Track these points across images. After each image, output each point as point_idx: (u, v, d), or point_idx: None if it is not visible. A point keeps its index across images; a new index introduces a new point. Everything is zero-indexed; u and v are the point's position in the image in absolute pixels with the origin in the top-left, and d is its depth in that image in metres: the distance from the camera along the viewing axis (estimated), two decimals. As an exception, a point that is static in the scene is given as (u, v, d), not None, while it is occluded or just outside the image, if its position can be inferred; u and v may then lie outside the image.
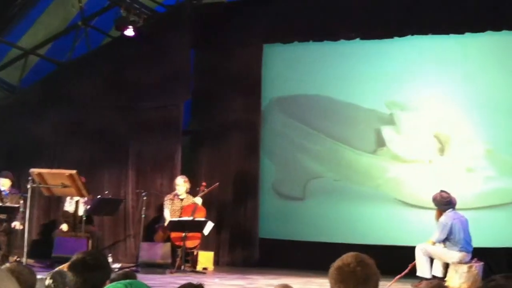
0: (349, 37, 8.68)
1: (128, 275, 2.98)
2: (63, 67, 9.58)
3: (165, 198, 8.53)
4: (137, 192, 8.89)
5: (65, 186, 6.98)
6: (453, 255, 6.69)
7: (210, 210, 8.60)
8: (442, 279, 6.59)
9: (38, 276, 2.82)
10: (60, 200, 8.63)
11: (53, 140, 9.48)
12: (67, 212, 8.41)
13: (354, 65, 8.83)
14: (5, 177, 8.28)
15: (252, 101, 9.17)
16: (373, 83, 8.70)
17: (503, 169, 8.07)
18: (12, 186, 8.36)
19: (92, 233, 8.21)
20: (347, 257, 2.11)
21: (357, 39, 8.66)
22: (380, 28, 8.45)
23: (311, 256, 8.36)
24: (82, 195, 7.45)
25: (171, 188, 8.82)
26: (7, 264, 2.73)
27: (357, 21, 8.55)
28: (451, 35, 8.21)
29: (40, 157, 9.19)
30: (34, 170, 7.10)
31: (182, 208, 8.35)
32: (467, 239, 6.75)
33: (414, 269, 6.73)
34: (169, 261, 7.75)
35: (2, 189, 8.22)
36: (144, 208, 8.42)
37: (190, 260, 8.22)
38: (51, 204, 9.13)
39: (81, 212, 8.15)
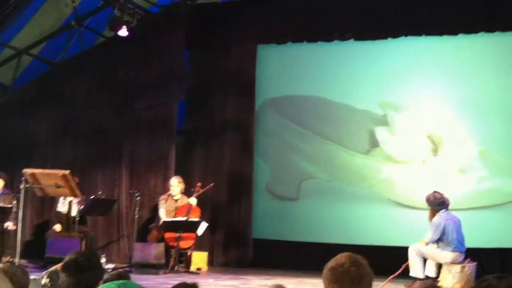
0: (343, 38, 8.69)
1: (121, 276, 2.98)
2: (57, 67, 9.55)
3: (160, 198, 8.52)
4: (131, 192, 8.87)
5: (58, 186, 6.97)
6: (446, 255, 6.71)
7: (204, 211, 8.59)
8: (435, 279, 6.62)
9: (31, 277, 2.81)
10: (53, 201, 8.60)
11: (47, 140, 9.45)
12: (60, 212, 8.38)
13: (348, 66, 8.85)
14: (-2, 177, 8.25)
15: (246, 101, 9.17)
16: (367, 83, 8.72)
17: (496, 170, 8.10)
18: (5, 186, 8.33)
19: (85, 233, 8.19)
20: (341, 258, 2.11)
21: (351, 40, 8.67)
22: (374, 29, 8.47)
23: (304, 256, 8.38)
24: (75, 195, 7.43)
25: (165, 188, 8.80)
26: (0, 265, 2.72)
27: (351, 22, 8.56)
28: (445, 36, 8.24)
29: (33, 157, 9.16)
30: (27, 170, 7.08)
31: (176, 208, 8.34)
32: (460, 240, 6.78)
33: (407, 269, 6.75)
34: (163, 261, 7.74)
35: (-5, 189, 8.19)
36: (137, 208, 8.41)
37: (184, 260, 8.20)
38: (44, 204, 9.10)
39: (74, 212, 8.13)
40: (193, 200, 8.32)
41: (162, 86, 9.10)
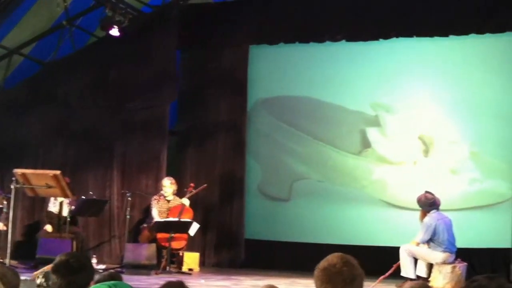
0: (335, 39, 8.72)
1: (113, 276, 2.97)
2: (48, 67, 9.51)
3: (152, 199, 8.49)
4: (122, 192, 8.85)
5: (49, 187, 6.93)
6: (437, 255, 6.74)
7: (196, 211, 8.58)
8: (426, 279, 6.65)
9: (22, 278, 2.80)
10: (44, 201, 8.56)
11: (37, 140, 9.40)
12: (51, 213, 8.34)
13: (340, 67, 8.87)
14: (-12, 177, 8.21)
15: (238, 102, 9.17)
16: (359, 84, 8.75)
17: (487, 171, 8.15)
18: (-4, 186, 8.29)
19: (76, 234, 8.16)
20: (332, 258, 2.12)
21: (343, 41, 8.70)
22: (366, 30, 8.50)
23: (296, 256, 8.39)
24: (66, 196, 7.39)
25: (156, 188, 8.79)
26: (-9, 266, 2.71)
27: (343, 23, 8.59)
28: (436, 38, 8.28)
29: (24, 157, 9.11)
30: (18, 171, 7.04)
31: (169, 209, 8.33)
32: (451, 240, 6.81)
33: (398, 270, 6.78)
34: (154, 262, 7.72)
35: (-15, 189, 8.14)
36: (129, 209, 8.38)
37: (175, 261, 8.20)
38: (35, 204, 9.05)
39: (65, 213, 8.09)
40: (186, 201, 8.31)
41: (154, 86, 9.08)
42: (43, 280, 2.66)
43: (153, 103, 9.13)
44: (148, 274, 7.41)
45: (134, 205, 8.72)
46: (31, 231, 8.94)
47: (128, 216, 8.29)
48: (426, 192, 7.00)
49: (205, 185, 8.55)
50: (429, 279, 6.66)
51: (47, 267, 2.61)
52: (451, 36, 8.20)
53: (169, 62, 9.13)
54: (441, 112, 8.41)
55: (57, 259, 2.47)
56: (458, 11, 8.05)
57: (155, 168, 9.06)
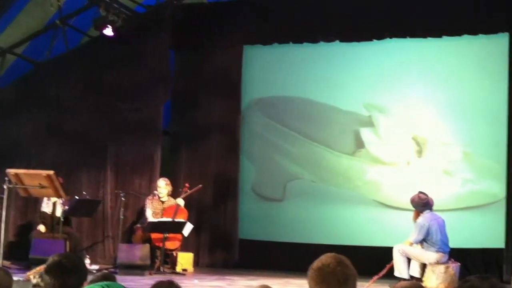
0: (328, 40, 8.73)
1: (107, 277, 2.97)
2: (41, 67, 9.47)
3: (146, 199, 8.46)
4: (116, 193, 8.83)
5: (42, 187, 6.90)
6: (430, 255, 6.76)
7: (190, 212, 8.57)
8: (420, 279, 6.67)
9: (15, 278, 2.79)
10: (37, 201, 8.53)
11: (31, 140, 9.36)
12: (44, 213, 8.31)
13: (334, 67, 8.88)
14: (-19, 177, 8.16)
15: (232, 102, 9.17)
16: (352, 85, 8.76)
17: (480, 172, 8.19)
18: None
19: (69, 234, 8.13)
20: (326, 258, 2.12)
21: (337, 42, 8.71)
22: (359, 30, 8.51)
23: (290, 257, 8.40)
24: (59, 196, 7.37)
25: (150, 189, 8.77)
26: (-17, 266, 2.70)
27: (337, 23, 8.60)
28: (429, 39, 8.30)
29: (17, 157, 9.06)
30: (11, 171, 7.01)
31: (163, 209, 8.31)
32: (444, 240, 6.84)
33: (392, 270, 6.79)
34: (148, 262, 7.71)
35: (-23, 190, 8.09)
36: (122, 209, 8.36)
37: (169, 261, 8.19)
38: (28, 205, 9.01)
39: (58, 213, 8.06)
40: (180, 201, 8.30)
41: (148, 87, 9.06)
42: (39, 280, 2.65)
43: (146, 104, 9.11)
44: (141, 275, 7.40)
45: (127, 205, 8.70)
46: (24, 231, 8.90)
47: (121, 217, 8.27)
48: (420, 192, 7.02)
49: (200, 185, 8.54)
50: (423, 279, 6.69)
51: (41, 268, 2.60)
52: (444, 37, 8.23)
53: (162, 62, 9.12)
54: (434, 113, 8.44)
55: (50, 259, 2.46)
56: (452, 12, 8.08)
57: (148, 169, 9.05)
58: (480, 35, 8.11)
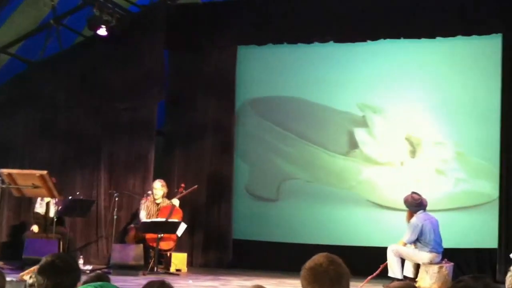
0: (323, 40, 8.74)
1: (100, 277, 2.96)
2: (34, 66, 9.44)
3: (141, 201, 8.42)
4: (110, 193, 8.81)
5: (35, 187, 6.88)
6: (423, 255, 6.78)
7: (184, 211, 8.55)
8: (413, 279, 6.69)
9: (8, 279, 2.78)
10: (30, 201, 8.50)
11: (24, 140, 9.33)
12: (38, 213, 8.28)
13: (328, 68, 8.90)
14: (-26, 177, 8.12)
15: (226, 102, 9.17)
16: (347, 85, 8.78)
17: (473, 171, 8.22)
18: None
19: (63, 234, 8.11)
20: (318, 258, 2.13)
21: (331, 42, 8.73)
22: (354, 31, 8.53)
23: (284, 257, 8.40)
24: (53, 196, 7.35)
25: (144, 189, 8.76)
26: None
27: (331, 24, 8.61)
28: (423, 40, 8.33)
29: (10, 157, 9.03)
30: (4, 171, 6.98)
31: (159, 210, 8.28)
32: (438, 240, 6.86)
33: (385, 270, 6.81)
34: (142, 262, 7.69)
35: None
36: (116, 209, 8.35)
37: (163, 261, 8.17)
38: (22, 205, 8.98)
39: (52, 213, 8.03)
40: (176, 201, 8.28)
41: (142, 86, 9.05)
42: (35, 280, 2.64)
43: (140, 103, 9.09)
44: (135, 275, 7.39)
45: (121, 205, 8.69)
46: (17, 231, 8.87)
47: (115, 217, 8.25)
48: (413, 193, 7.04)
49: (196, 186, 8.52)
50: (416, 279, 6.70)
51: (34, 268, 2.59)
52: (438, 38, 8.25)
53: (156, 62, 9.10)
54: (428, 113, 8.46)
55: (43, 260, 2.45)
56: (445, 13, 8.11)
57: (142, 168, 9.03)
58: (474, 36, 8.14)
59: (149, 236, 7.97)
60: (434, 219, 6.93)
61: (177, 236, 8.01)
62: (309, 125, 8.97)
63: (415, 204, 6.95)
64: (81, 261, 7.89)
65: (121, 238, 8.49)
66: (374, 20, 8.37)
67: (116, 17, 8.61)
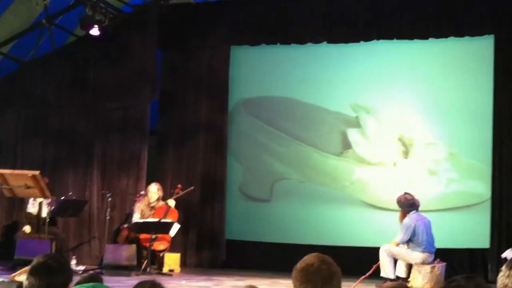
0: (316, 41, 8.75)
1: (93, 278, 2.95)
2: (26, 66, 9.40)
3: (137, 204, 8.36)
4: (102, 193, 8.78)
5: (28, 187, 6.85)
6: (416, 256, 6.80)
7: (177, 211, 8.54)
8: (406, 279, 6.71)
9: (0, 279, 2.76)
10: (22, 201, 8.46)
11: (16, 140, 9.29)
12: (30, 213, 8.24)
13: (321, 68, 8.91)
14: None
15: (219, 102, 9.16)
16: (339, 86, 8.80)
17: (465, 172, 8.25)
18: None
19: (55, 234, 8.07)
20: (310, 258, 2.14)
21: (324, 43, 8.73)
22: (347, 32, 8.54)
23: (277, 257, 8.40)
24: (45, 196, 7.31)
25: (137, 189, 8.74)
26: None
27: (324, 24, 8.62)
28: (416, 40, 8.36)
29: (1, 156, 9.00)
30: (-4, 171, 6.94)
31: (153, 213, 8.23)
32: (430, 240, 6.88)
33: (378, 270, 6.82)
34: (135, 263, 7.67)
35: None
36: (109, 209, 8.32)
37: (156, 262, 8.15)
38: (14, 205, 8.94)
39: (44, 213, 8.00)
40: (171, 202, 8.24)
41: (135, 86, 9.03)
42: (27, 281, 2.63)
43: (133, 103, 9.07)
44: (128, 275, 7.37)
45: (114, 205, 8.66)
46: (9, 231, 8.83)
47: (108, 217, 8.22)
48: (406, 193, 7.06)
49: (193, 187, 8.51)
50: (409, 279, 6.72)
51: (26, 268, 2.58)
52: (430, 39, 8.28)
53: (149, 62, 9.08)
54: (420, 114, 8.49)
55: (35, 260, 2.44)
56: (438, 15, 8.14)
57: (135, 168, 9.01)
58: (466, 37, 8.18)
59: (143, 236, 7.94)
60: (426, 220, 6.96)
61: (170, 236, 7.99)
62: (302, 125, 8.98)
63: (408, 205, 6.97)
64: (73, 262, 7.86)
65: (114, 239, 8.46)
66: (367, 21, 8.39)
67: (109, 16, 8.59)
